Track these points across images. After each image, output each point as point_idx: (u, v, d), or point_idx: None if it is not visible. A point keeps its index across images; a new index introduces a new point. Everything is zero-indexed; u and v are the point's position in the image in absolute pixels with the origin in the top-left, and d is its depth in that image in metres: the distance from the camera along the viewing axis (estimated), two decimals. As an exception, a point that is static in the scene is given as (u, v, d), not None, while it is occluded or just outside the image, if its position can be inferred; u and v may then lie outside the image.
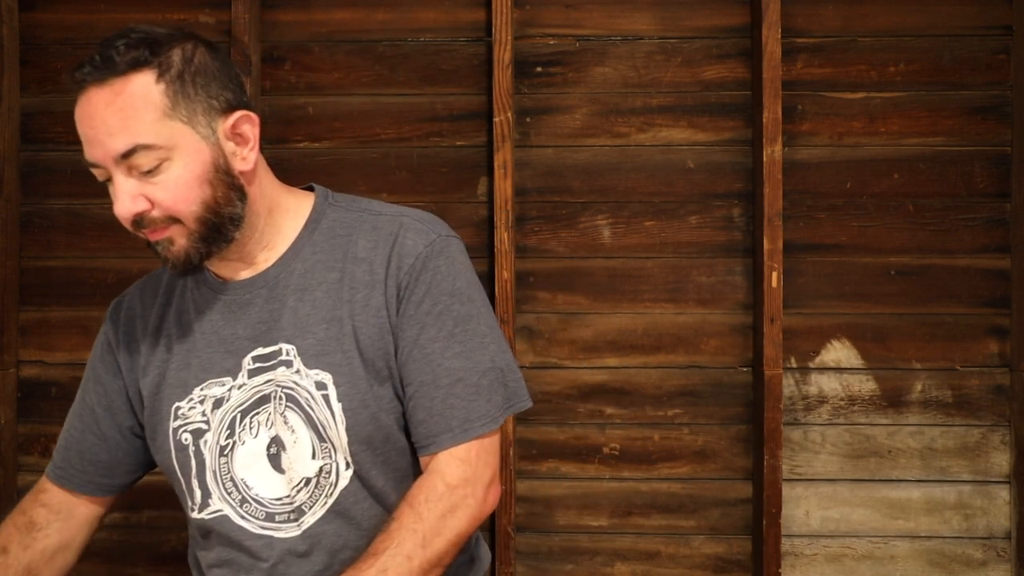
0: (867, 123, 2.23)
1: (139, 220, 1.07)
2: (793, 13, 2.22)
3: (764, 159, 2.14)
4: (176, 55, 1.07)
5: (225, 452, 1.14)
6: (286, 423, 1.12)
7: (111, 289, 2.30)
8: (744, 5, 2.25)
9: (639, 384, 2.25)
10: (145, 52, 1.05)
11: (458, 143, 2.28)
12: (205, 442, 1.15)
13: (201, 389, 1.16)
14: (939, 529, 2.21)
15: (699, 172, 2.25)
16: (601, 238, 2.26)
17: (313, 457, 1.12)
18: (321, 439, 1.12)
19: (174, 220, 1.07)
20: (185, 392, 1.17)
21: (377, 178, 2.29)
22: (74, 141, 2.42)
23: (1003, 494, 2.21)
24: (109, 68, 1.04)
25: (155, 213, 1.06)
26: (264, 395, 1.13)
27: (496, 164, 2.18)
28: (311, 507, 1.13)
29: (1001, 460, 2.21)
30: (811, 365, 2.23)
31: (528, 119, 2.27)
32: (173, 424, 1.17)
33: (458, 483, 1.10)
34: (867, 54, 2.24)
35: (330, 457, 1.12)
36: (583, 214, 2.25)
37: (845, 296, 2.23)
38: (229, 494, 1.14)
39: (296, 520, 1.13)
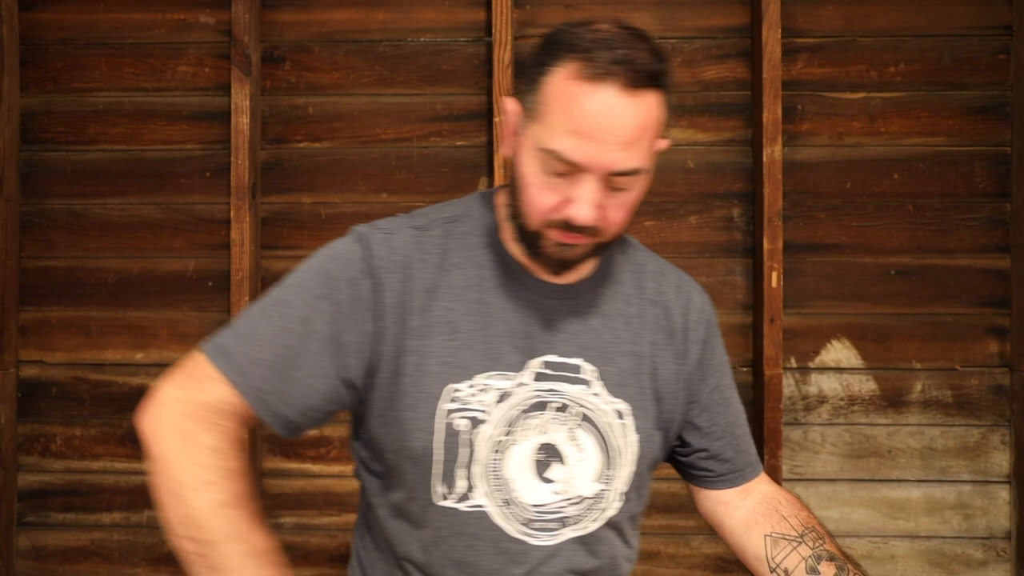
0: (867, 123, 2.23)
1: (568, 224, 1.03)
2: (793, 13, 2.22)
3: (764, 159, 2.14)
4: (670, 73, 1.05)
5: (499, 449, 1.11)
6: (573, 439, 1.13)
7: (111, 289, 2.30)
8: (744, 5, 2.25)
9: (639, 384, 2.25)
10: (663, 66, 1.02)
11: (458, 143, 2.28)
12: (479, 433, 1.10)
13: (486, 378, 1.11)
14: (939, 529, 2.21)
15: (699, 172, 2.25)
16: (601, 238, 2.26)
17: (596, 480, 1.13)
18: (608, 465, 1.14)
19: (597, 233, 1.05)
20: (465, 375, 1.11)
21: (377, 178, 2.29)
22: (74, 141, 2.44)
23: (1003, 494, 2.21)
24: (640, 77, 0.99)
25: (596, 225, 1.03)
26: (542, 401, 1.12)
27: (496, 164, 2.18)
28: (576, 523, 1.13)
29: (1001, 460, 2.21)
30: (811, 365, 2.23)
31: (528, 119, 2.26)
32: (447, 405, 1.10)
33: None
34: (867, 54, 2.24)
35: (608, 484, 1.14)
36: (583, 214, 2.25)
37: (845, 296, 2.23)
38: (494, 491, 1.11)
39: (553, 531, 1.12)
